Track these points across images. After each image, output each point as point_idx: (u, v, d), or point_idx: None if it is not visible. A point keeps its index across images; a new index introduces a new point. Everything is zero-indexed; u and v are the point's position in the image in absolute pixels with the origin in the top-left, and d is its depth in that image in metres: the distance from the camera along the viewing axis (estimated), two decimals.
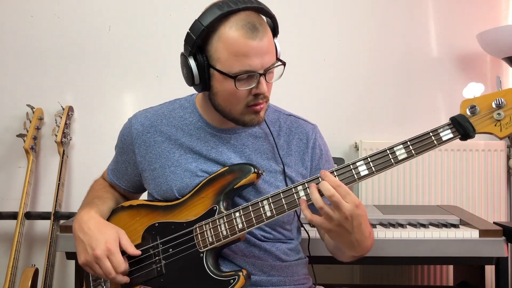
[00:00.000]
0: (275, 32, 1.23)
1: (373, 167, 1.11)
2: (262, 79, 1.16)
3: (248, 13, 1.15)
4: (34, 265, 2.07)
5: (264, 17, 1.20)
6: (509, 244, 1.61)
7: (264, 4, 1.20)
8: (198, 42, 1.16)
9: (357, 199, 1.07)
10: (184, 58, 1.21)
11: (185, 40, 1.19)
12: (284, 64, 1.22)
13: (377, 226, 1.70)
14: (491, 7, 2.41)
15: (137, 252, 1.23)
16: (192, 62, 1.18)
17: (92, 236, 1.20)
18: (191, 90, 1.28)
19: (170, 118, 1.32)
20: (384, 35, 2.39)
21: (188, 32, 1.17)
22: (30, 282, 1.98)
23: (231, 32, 1.13)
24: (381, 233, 1.60)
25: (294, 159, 1.31)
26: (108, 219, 1.32)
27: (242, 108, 1.20)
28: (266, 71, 1.16)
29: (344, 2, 2.39)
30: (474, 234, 1.59)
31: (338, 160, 2.17)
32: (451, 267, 2.24)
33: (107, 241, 1.19)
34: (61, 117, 2.23)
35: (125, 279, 1.22)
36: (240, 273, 1.15)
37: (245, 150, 1.29)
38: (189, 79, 1.21)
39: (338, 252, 1.31)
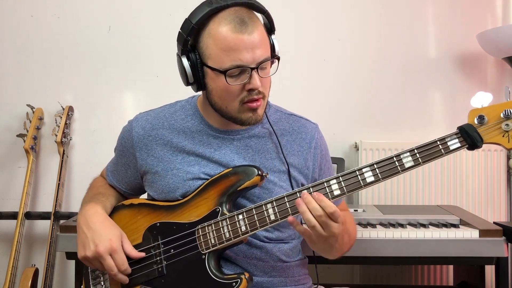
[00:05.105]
0: (271, 28, 1.22)
1: (379, 174, 1.11)
2: (254, 73, 1.15)
3: (237, 8, 1.16)
4: (34, 265, 2.06)
5: (256, 13, 1.19)
6: (509, 244, 1.61)
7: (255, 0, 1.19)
8: (189, 40, 1.17)
9: (341, 215, 1.09)
10: (178, 57, 1.21)
11: (177, 39, 1.19)
12: (277, 59, 1.22)
13: (377, 226, 1.70)
14: (491, 7, 2.42)
15: (141, 254, 1.23)
16: (185, 61, 1.18)
17: (96, 232, 1.20)
18: (192, 91, 1.27)
19: (172, 121, 1.31)
20: (384, 35, 2.39)
21: (179, 31, 1.18)
22: (30, 282, 1.97)
23: (220, 27, 1.13)
24: (381, 233, 1.60)
25: (297, 158, 1.31)
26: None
27: (238, 106, 1.19)
28: (258, 65, 1.15)
29: (344, 2, 2.39)
30: (474, 234, 1.59)
31: (338, 160, 2.17)
32: (451, 267, 2.25)
33: (111, 239, 1.19)
34: (61, 117, 2.23)
35: (126, 278, 1.21)
36: (243, 276, 1.14)
37: (248, 151, 1.28)
38: (184, 78, 1.21)
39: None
